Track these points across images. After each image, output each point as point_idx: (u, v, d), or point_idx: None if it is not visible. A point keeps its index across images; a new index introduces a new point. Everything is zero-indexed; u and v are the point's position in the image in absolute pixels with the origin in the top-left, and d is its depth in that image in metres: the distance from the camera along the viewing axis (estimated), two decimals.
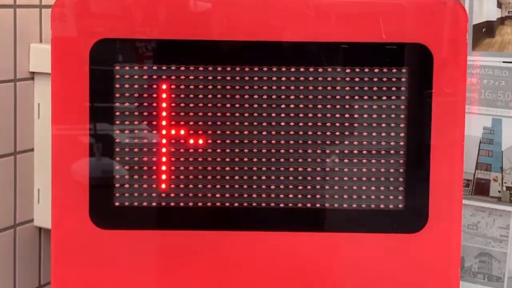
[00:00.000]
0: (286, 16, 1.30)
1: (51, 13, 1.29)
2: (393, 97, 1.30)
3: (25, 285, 1.79)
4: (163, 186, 1.31)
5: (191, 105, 1.30)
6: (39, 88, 1.76)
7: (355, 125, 1.30)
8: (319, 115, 1.30)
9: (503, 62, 1.57)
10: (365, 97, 1.30)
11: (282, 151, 1.30)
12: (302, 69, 1.29)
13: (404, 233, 1.31)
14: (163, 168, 1.31)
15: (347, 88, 1.29)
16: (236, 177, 1.30)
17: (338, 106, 1.30)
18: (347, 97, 1.30)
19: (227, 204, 1.31)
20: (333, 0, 1.31)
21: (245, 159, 1.30)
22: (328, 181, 1.31)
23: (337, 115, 1.30)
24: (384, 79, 1.29)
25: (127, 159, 1.31)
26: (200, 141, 1.30)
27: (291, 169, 1.30)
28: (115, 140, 1.30)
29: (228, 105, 1.30)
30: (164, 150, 1.31)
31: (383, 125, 1.30)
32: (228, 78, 1.29)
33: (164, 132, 1.30)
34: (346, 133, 1.30)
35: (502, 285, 1.59)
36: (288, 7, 1.30)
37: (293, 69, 1.29)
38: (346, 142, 1.30)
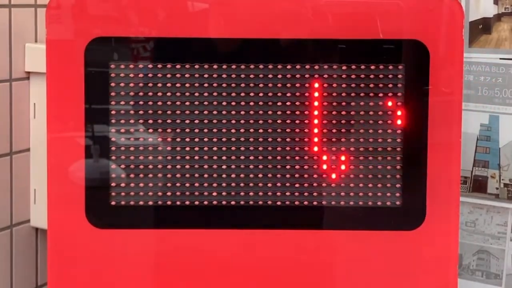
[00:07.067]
0: (283, 13, 1.30)
1: (45, 15, 1.29)
2: (390, 94, 1.29)
3: (22, 286, 1.78)
4: (159, 185, 1.30)
5: (187, 103, 1.29)
6: (35, 87, 1.75)
7: (352, 122, 1.30)
8: (316, 112, 1.29)
9: (500, 58, 1.57)
10: (362, 94, 1.29)
11: (279, 148, 1.30)
12: (298, 67, 1.29)
13: (402, 231, 1.31)
14: (159, 167, 1.30)
15: (344, 85, 1.29)
16: (233, 175, 1.30)
17: (334, 103, 1.29)
18: (343, 94, 1.29)
19: (224, 202, 1.30)
20: None
21: (242, 157, 1.30)
22: (325, 178, 1.30)
23: (334, 112, 1.29)
24: (381, 76, 1.29)
25: (123, 159, 1.30)
26: (196, 139, 1.30)
27: (288, 166, 1.30)
28: (111, 139, 1.30)
29: (224, 103, 1.29)
30: (160, 148, 1.30)
31: (380, 122, 1.30)
32: (224, 76, 1.29)
33: (160, 130, 1.30)
34: (343, 130, 1.30)
35: (500, 282, 1.59)
36: (285, 5, 1.30)
37: (289, 67, 1.29)
38: (343, 140, 1.30)
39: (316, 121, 1.29)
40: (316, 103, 1.29)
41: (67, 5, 1.29)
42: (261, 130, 1.30)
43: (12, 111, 1.73)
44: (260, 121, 1.30)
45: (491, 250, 1.59)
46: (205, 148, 1.30)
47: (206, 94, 1.29)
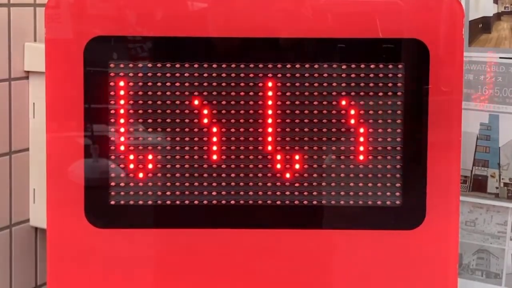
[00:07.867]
0: (282, 12, 1.30)
1: (44, 14, 1.29)
2: (390, 93, 1.29)
3: (21, 286, 1.78)
4: (159, 184, 1.30)
5: (186, 102, 1.29)
6: (34, 87, 1.75)
7: (352, 121, 1.29)
8: (315, 111, 1.29)
9: (500, 58, 1.57)
10: (362, 93, 1.29)
11: (278, 147, 1.30)
12: (298, 66, 1.29)
13: (402, 230, 1.31)
14: (159, 166, 1.30)
15: (343, 84, 1.29)
16: (232, 175, 1.30)
17: (334, 103, 1.29)
18: (343, 93, 1.29)
19: (223, 202, 1.30)
20: None
21: (241, 156, 1.30)
22: (325, 178, 1.30)
23: (334, 112, 1.29)
24: (381, 75, 1.29)
25: (122, 158, 1.30)
26: (196, 139, 1.30)
27: (287, 166, 1.30)
28: (110, 139, 1.30)
29: (223, 103, 1.29)
30: (159, 148, 1.30)
31: (380, 121, 1.29)
32: (224, 75, 1.29)
33: (159, 130, 1.30)
34: (343, 129, 1.30)
35: (500, 281, 1.59)
36: (284, 4, 1.30)
37: (289, 66, 1.29)
38: (342, 139, 1.30)
39: (315, 120, 1.29)
40: (315, 102, 1.29)
41: (66, 4, 1.29)
42: (260, 129, 1.29)
43: (11, 110, 1.73)
44: (259, 120, 1.29)
45: (491, 249, 1.59)
46: (204, 148, 1.30)
47: (205, 93, 1.29)
